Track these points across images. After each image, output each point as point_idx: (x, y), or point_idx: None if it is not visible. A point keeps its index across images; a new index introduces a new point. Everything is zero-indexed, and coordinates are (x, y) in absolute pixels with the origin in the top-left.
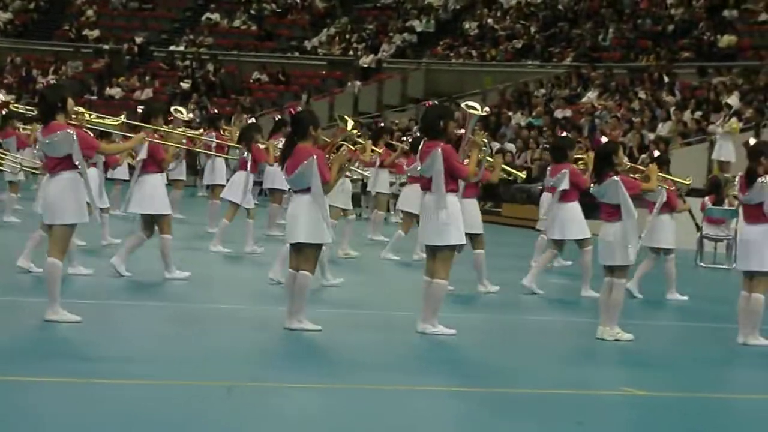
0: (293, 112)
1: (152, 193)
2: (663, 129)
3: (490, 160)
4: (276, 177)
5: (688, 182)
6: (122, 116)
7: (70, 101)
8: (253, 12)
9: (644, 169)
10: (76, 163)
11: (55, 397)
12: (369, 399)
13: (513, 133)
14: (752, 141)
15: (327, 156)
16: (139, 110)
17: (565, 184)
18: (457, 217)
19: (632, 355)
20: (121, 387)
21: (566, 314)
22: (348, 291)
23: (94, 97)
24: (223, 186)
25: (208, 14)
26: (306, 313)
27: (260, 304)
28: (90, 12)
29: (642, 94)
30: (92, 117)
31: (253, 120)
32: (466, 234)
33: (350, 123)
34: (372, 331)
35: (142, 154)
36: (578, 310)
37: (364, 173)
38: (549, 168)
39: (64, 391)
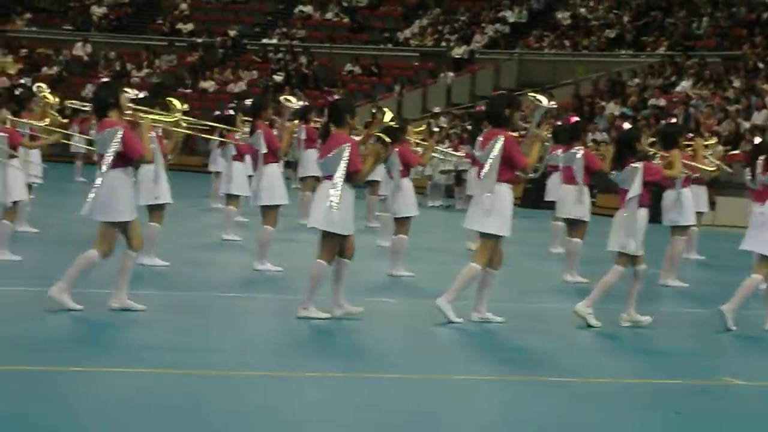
0: (332, 99)
1: (273, 184)
2: (758, 117)
3: (604, 149)
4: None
5: (713, 169)
6: (179, 112)
7: (123, 98)
8: (345, 4)
9: (668, 155)
10: (107, 160)
11: (84, 386)
12: (416, 388)
13: (606, 122)
14: None
15: (361, 146)
16: (248, 103)
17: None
18: (504, 206)
19: (740, 342)
20: (147, 376)
21: (668, 304)
22: (441, 282)
23: (189, 91)
24: (315, 177)
25: (300, 7)
26: (315, 301)
27: (354, 295)
28: (183, 6)
29: (737, 83)
30: (146, 117)
31: None
32: (567, 219)
33: (388, 115)
34: (421, 319)
35: (263, 148)
36: (682, 299)
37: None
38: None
39: (89, 380)
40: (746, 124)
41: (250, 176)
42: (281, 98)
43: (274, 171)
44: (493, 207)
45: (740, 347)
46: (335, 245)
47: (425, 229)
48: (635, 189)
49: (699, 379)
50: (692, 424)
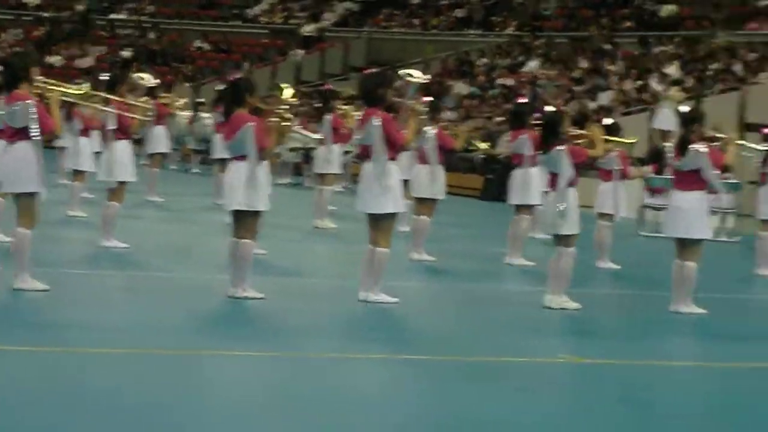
0: (231, 79)
1: (121, 160)
2: (604, 98)
3: (454, 126)
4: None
5: (634, 141)
6: (86, 84)
7: (33, 70)
8: None
9: (588, 134)
10: (31, 136)
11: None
12: (309, 366)
13: (455, 102)
14: (685, 109)
15: (265, 123)
16: (103, 78)
17: (528, 150)
18: (396, 185)
19: (574, 323)
20: (66, 356)
21: (515, 283)
22: (292, 259)
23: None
24: (163, 154)
25: None
26: (250, 281)
27: (203, 272)
28: None
29: (584, 64)
30: (55, 90)
31: None
32: (417, 198)
33: (288, 91)
34: (315, 300)
35: (111, 123)
36: (527, 278)
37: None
38: (508, 135)
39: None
40: (593, 105)
41: (96, 152)
42: (135, 75)
43: (123, 147)
44: (386, 188)
45: (582, 327)
46: (257, 222)
47: (274, 207)
48: (568, 173)
49: (542, 357)
50: (533, 399)
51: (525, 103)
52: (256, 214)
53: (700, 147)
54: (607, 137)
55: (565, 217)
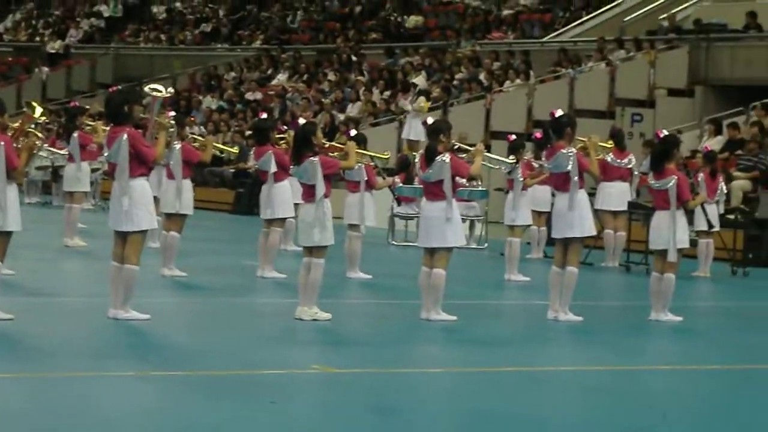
0: None
1: None
2: (353, 109)
3: (202, 139)
4: None
5: (386, 156)
6: None
7: None
8: None
9: (342, 147)
10: None
11: None
12: (60, 387)
13: (204, 116)
14: (430, 120)
15: (14, 142)
16: None
17: (273, 167)
18: (144, 201)
19: (326, 333)
20: None
21: (267, 296)
22: (42, 279)
23: None
24: None
25: None
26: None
27: None
28: None
29: (331, 76)
30: None
31: None
32: (167, 213)
33: (39, 110)
34: (65, 319)
35: None
36: (279, 290)
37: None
38: (252, 151)
39: None
40: (341, 116)
41: None
42: None
43: None
44: (132, 205)
45: (334, 337)
46: (6, 243)
47: (23, 226)
48: (320, 185)
49: (295, 369)
50: (286, 411)
51: (266, 119)
52: (6, 234)
53: (445, 157)
54: (362, 151)
55: (322, 229)
